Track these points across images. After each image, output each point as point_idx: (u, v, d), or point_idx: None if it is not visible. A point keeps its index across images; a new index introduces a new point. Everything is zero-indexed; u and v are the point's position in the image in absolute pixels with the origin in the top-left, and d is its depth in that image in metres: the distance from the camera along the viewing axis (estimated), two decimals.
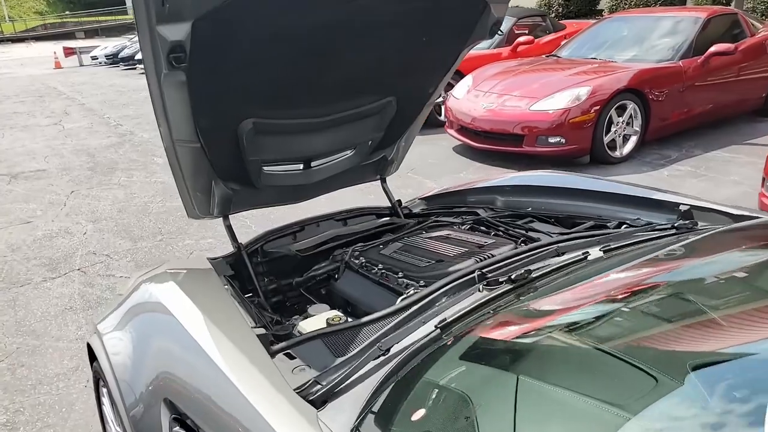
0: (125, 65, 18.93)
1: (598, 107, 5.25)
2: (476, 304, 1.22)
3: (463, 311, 1.20)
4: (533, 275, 1.33)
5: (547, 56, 6.92)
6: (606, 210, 2.17)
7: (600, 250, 1.46)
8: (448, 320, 1.18)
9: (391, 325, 1.23)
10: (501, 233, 2.02)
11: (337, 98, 1.75)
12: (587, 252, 1.45)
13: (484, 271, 1.41)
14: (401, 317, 1.26)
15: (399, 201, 2.38)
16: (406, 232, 2.11)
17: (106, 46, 21.76)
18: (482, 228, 2.11)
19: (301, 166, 1.93)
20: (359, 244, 2.03)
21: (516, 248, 1.67)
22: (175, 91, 1.33)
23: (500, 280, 1.33)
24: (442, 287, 1.34)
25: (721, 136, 6.19)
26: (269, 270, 1.95)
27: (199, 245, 4.11)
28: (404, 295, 1.51)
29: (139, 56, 17.63)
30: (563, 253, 1.51)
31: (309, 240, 2.06)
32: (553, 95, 5.38)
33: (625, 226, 2.00)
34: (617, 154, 5.53)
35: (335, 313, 1.56)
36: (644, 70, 5.61)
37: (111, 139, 8.11)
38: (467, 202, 2.48)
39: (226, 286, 1.61)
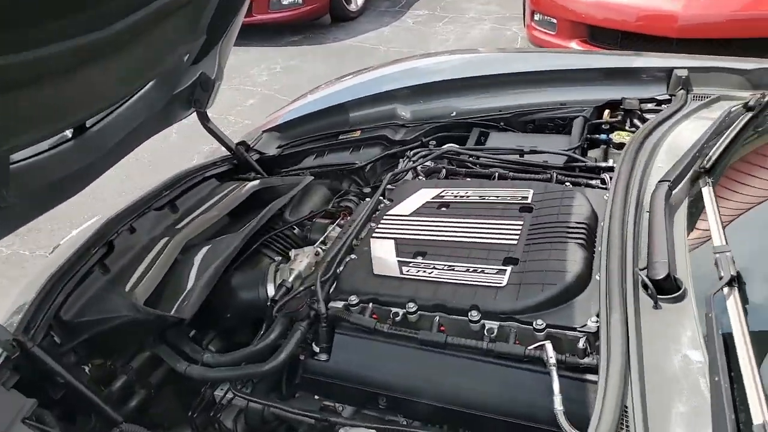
0: None
1: None
2: None
3: None
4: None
5: None
6: (562, 94, 1.56)
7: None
8: None
9: None
10: (508, 171, 1.41)
11: None
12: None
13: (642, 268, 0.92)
14: None
15: (244, 143, 1.65)
16: (368, 213, 1.28)
17: None
18: (453, 167, 1.48)
19: (70, 135, 1.17)
20: (296, 265, 1.23)
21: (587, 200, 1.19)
22: None
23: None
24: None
25: None
26: (91, 353, 1.15)
27: None
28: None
29: None
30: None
31: (144, 274, 1.18)
32: None
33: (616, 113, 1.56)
34: (353, 7, 4.81)
35: None
36: None
37: None
38: (353, 123, 1.72)
39: None
